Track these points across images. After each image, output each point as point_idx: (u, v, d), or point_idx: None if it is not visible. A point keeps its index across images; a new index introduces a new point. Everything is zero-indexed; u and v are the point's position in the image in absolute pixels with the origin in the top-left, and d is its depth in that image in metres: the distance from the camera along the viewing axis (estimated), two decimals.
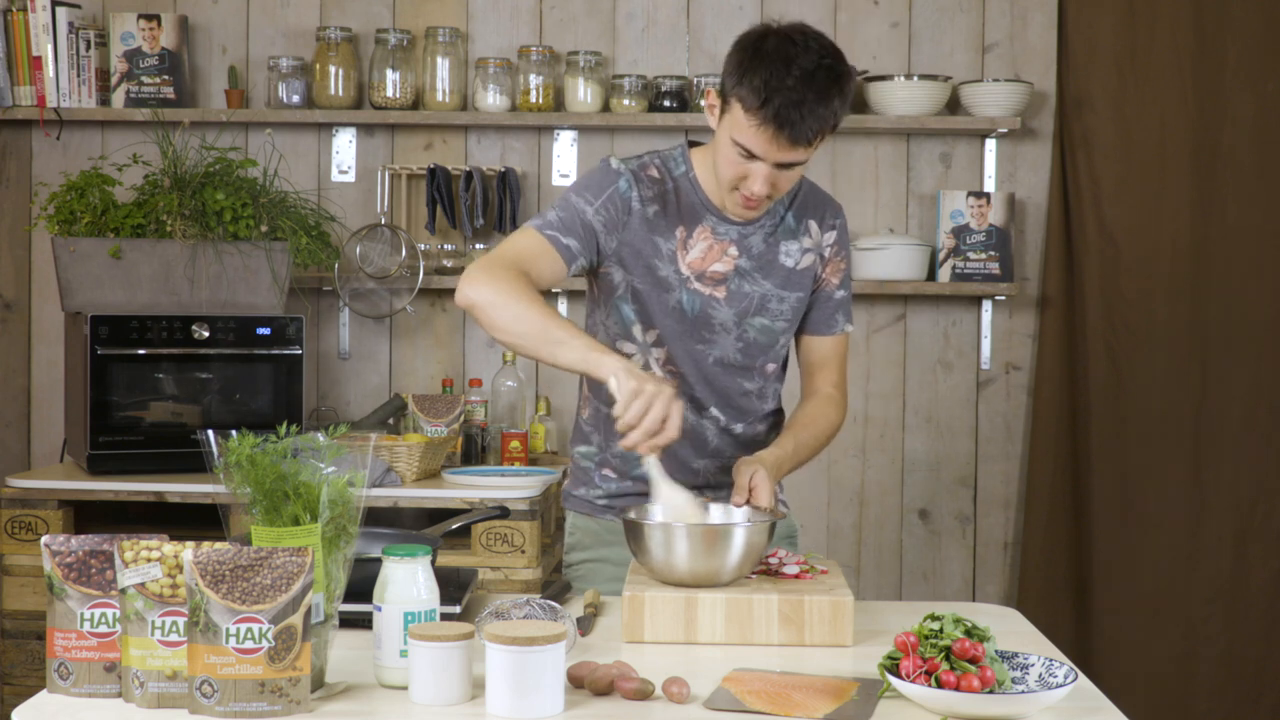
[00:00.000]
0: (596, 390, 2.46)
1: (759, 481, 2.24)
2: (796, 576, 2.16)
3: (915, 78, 4.07)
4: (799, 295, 2.44)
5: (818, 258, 2.45)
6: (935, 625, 1.74)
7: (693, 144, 2.45)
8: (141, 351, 3.66)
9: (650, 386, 2.08)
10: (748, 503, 2.23)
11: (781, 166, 2.23)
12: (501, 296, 2.18)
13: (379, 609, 1.81)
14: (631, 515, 2.16)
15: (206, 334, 3.70)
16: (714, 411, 2.44)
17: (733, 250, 2.39)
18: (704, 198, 2.38)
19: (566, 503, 2.59)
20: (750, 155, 2.22)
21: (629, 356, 2.41)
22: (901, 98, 4.07)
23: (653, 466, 2.18)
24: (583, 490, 2.54)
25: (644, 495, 2.41)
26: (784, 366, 2.53)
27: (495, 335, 2.23)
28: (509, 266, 2.23)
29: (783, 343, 2.47)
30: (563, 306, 4.17)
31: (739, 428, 2.47)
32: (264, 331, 3.75)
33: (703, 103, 2.36)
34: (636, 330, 2.40)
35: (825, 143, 2.26)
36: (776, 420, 2.55)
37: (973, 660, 1.71)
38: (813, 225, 2.44)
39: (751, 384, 2.46)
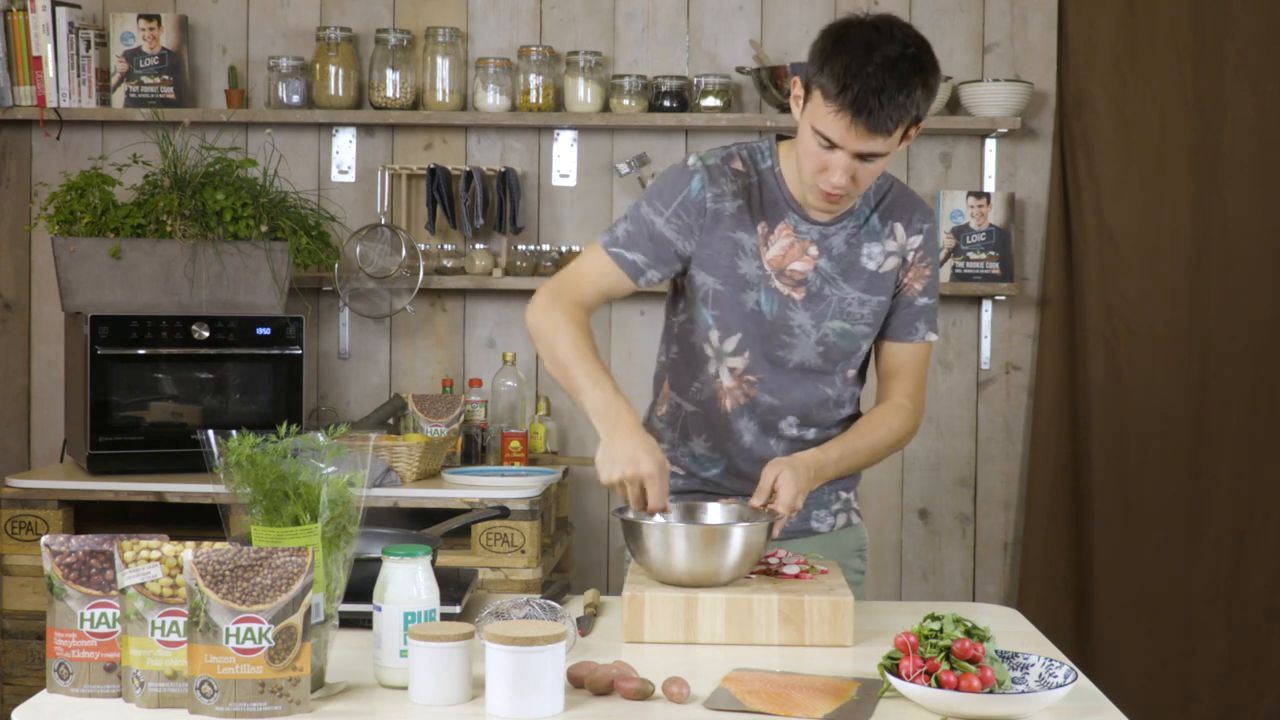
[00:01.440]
0: (679, 387, 2.44)
1: (784, 483, 2.21)
2: (796, 576, 2.16)
3: None
4: (880, 299, 2.38)
5: (901, 261, 2.38)
6: (935, 625, 1.74)
7: (781, 138, 2.40)
8: (141, 351, 3.66)
9: (618, 474, 2.14)
10: (766, 506, 2.21)
11: (862, 159, 2.19)
12: (545, 331, 2.31)
13: (379, 609, 1.81)
14: (629, 515, 2.16)
15: (206, 334, 3.70)
16: (791, 419, 2.40)
17: (813, 250, 2.34)
18: (787, 194, 2.34)
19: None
20: (830, 145, 2.18)
21: (707, 360, 2.39)
22: None
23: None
24: None
25: (710, 495, 2.43)
26: (862, 371, 2.47)
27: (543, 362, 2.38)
28: (568, 295, 2.33)
29: (864, 348, 2.42)
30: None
31: (811, 433, 2.42)
32: (264, 331, 3.75)
33: (790, 90, 2.32)
34: (714, 335, 2.37)
35: (914, 139, 2.25)
36: (850, 426, 2.49)
37: (973, 660, 1.71)
38: (898, 228, 2.38)
39: (831, 389, 2.41)
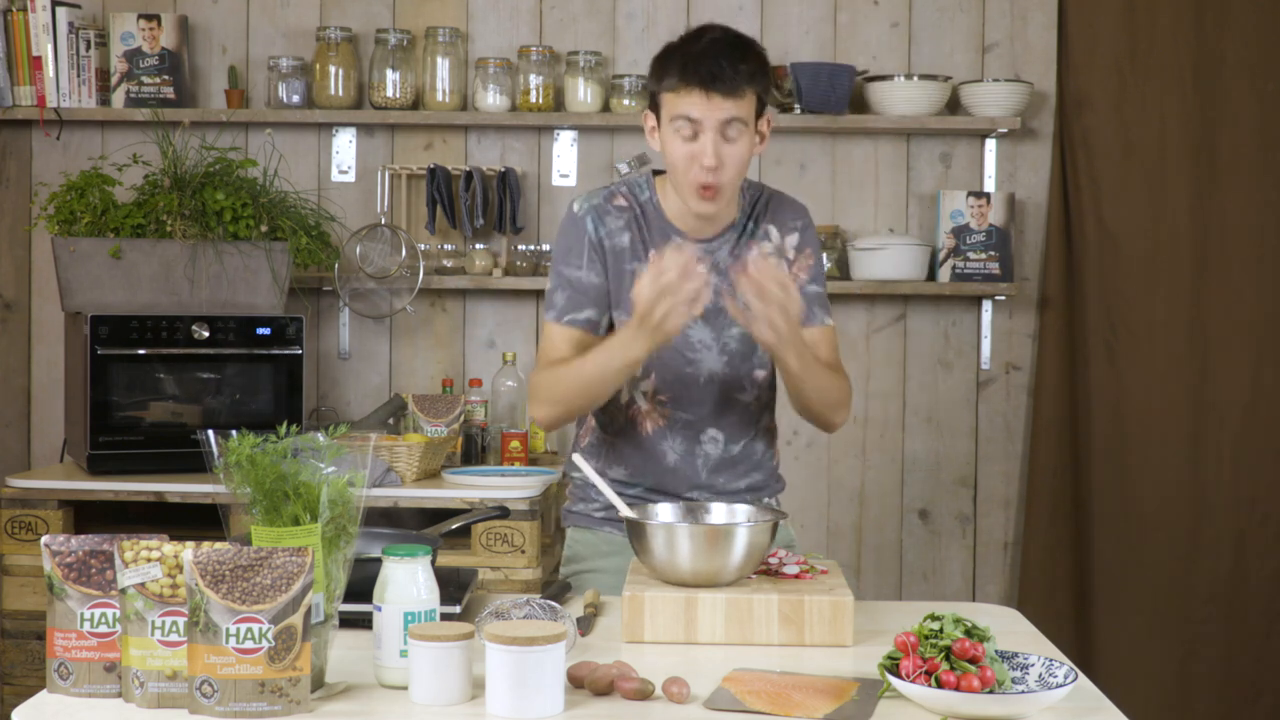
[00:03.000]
0: (600, 418, 2.52)
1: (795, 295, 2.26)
2: (796, 576, 2.16)
3: (915, 78, 4.07)
4: None
5: (782, 260, 2.49)
6: (935, 625, 1.74)
7: (657, 173, 2.51)
8: (141, 351, 3.66)
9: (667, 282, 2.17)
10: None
11: (725, 138, 2.31)
12: (549, 396, 2.38)
13: (379, 609, 1.81)
14: (633, 515, 2.16)
15: (206, 334, 3.70)
16: (712, 433, 2.48)
17: (701, 268, 2.40)
18: (668, 221, 2.46)
19: (566, 520, 2.64)
20: (694, 129, 2.31)
21: (618, 391, 2.47)
22: (901, 98, 4.06)
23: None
24: (581, 506, 2.60)
25: (641, 500, 2.46)
26: (773, 375, 2.54)
27: (585, 411, 2.46)
28: (545, 372, 2.40)
29: (762, 349, 2.48)
30: None
31: (737, 448, 2.50)
32: (264, 331, 3.75)
33: (643, 126, 2.45)
34: None
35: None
36: (771, 438, 2.58)
37: (973, 660, 1.71)
38: (772, 230, 2.50)
39: (745, 395, 2.50)
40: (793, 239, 2.51)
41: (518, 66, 4.15)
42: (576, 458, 2.29)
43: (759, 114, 2.37)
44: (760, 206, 2.51)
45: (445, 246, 4.21)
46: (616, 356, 2.28)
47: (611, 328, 2.47)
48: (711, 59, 2.30)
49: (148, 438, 3.68)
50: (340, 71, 4.14)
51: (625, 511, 2.16)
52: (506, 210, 4.10)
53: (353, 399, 4.29)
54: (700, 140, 2.32)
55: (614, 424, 2.51)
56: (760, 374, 2.51)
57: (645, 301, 2.19)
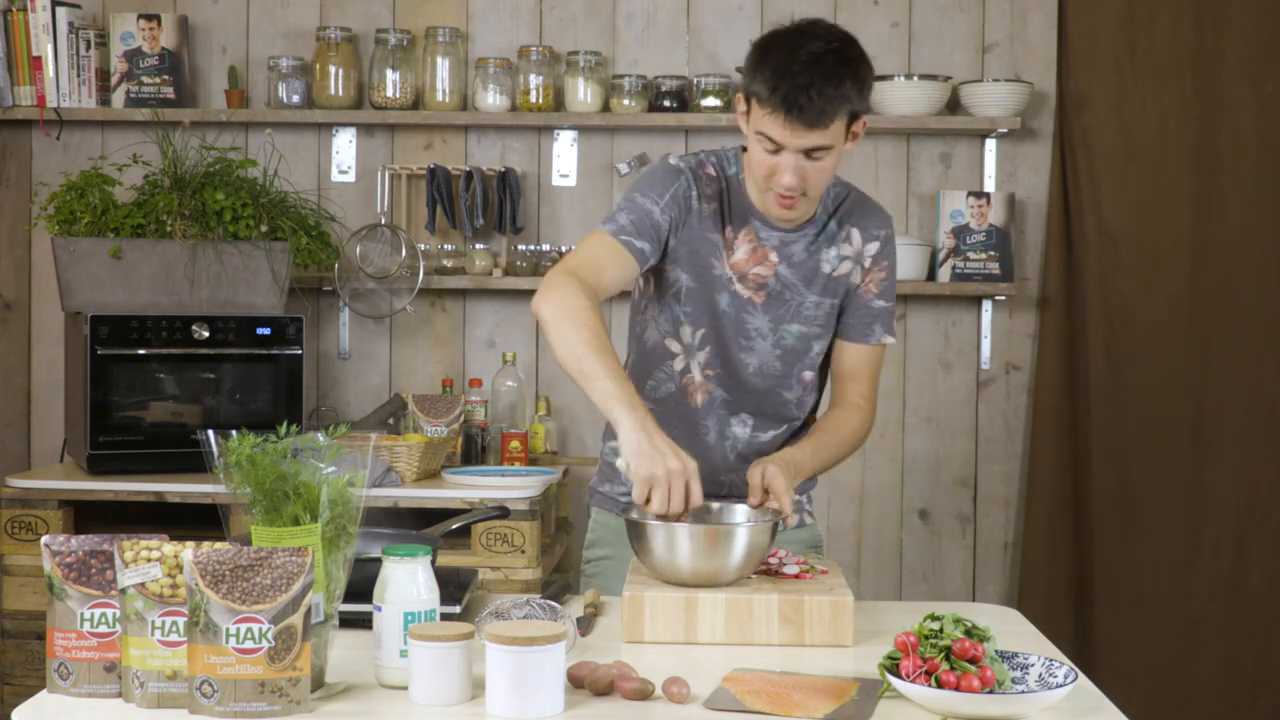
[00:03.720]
0: (640, 386, 2.42)
1: (772, 477, 2.22)
2: (796, 576, 2.16)
3: (915, 78, 4.07)
4: (833, 302, 2.43)
5: (857, 266, 2.44)
6: (935, 625, 1.74)
7: (745, 149, 2.44)
8: (141, 351, 3.66)
9: (660, 470, 2.07)
10: (762, 504, 2.22)
11: (808, 157, 2.24)
12: (558, 318, 2.21)
13: (379, 609, 1.81)
14: (633, 515, 2.16)
15: (206, 334, 3.70)
16: (744, 416, 2.44)
17: (773, 256, 2.39)
18: (749, 201, 2.39)
19: (591, 499, 2.59)
20: (775, 147, 2.24)
21: (673, 357, 2.42)
22: (901, 98, 4.07)
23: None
24: (608, 486, 2.56)
25: None
26: (822, 376, 2.51)
27: (552, 354, 2.29)
28: (579, 280, 2.25)
29: (817, 349, 2.46)
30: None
31: (767, 436, 2.46)
32: (264, 331, 3.75)
33: (735, 106, 2.37)
34: (685, 331, 2.41)
35: (860, 139, 2.29)
36: (805, 430, 2.53)
37: (973, 660, 1.71)
38: (855, 233, 2.44)
39: (790, 393, 2.46)
40: (873, 247, 2.45)
41: (518, 66, 4.15)
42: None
43: (851, 123, 2.27)
44: (845, 207, 2.44)
45: (445, 246, 4.21)
46: (600, 380, 2.16)
47: (656, 275, 2.39)
48: (802, 89, 2.18)
49: (148, 438, 3.68)
50: (340, 71, 4.14)
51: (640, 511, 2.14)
52: (506, 210, 4.10)
53: (353, 399, 4.29)
54: (782, 156, 2.25)
55: (661, 390, 2.44)
56: (808, 375, 2.47)
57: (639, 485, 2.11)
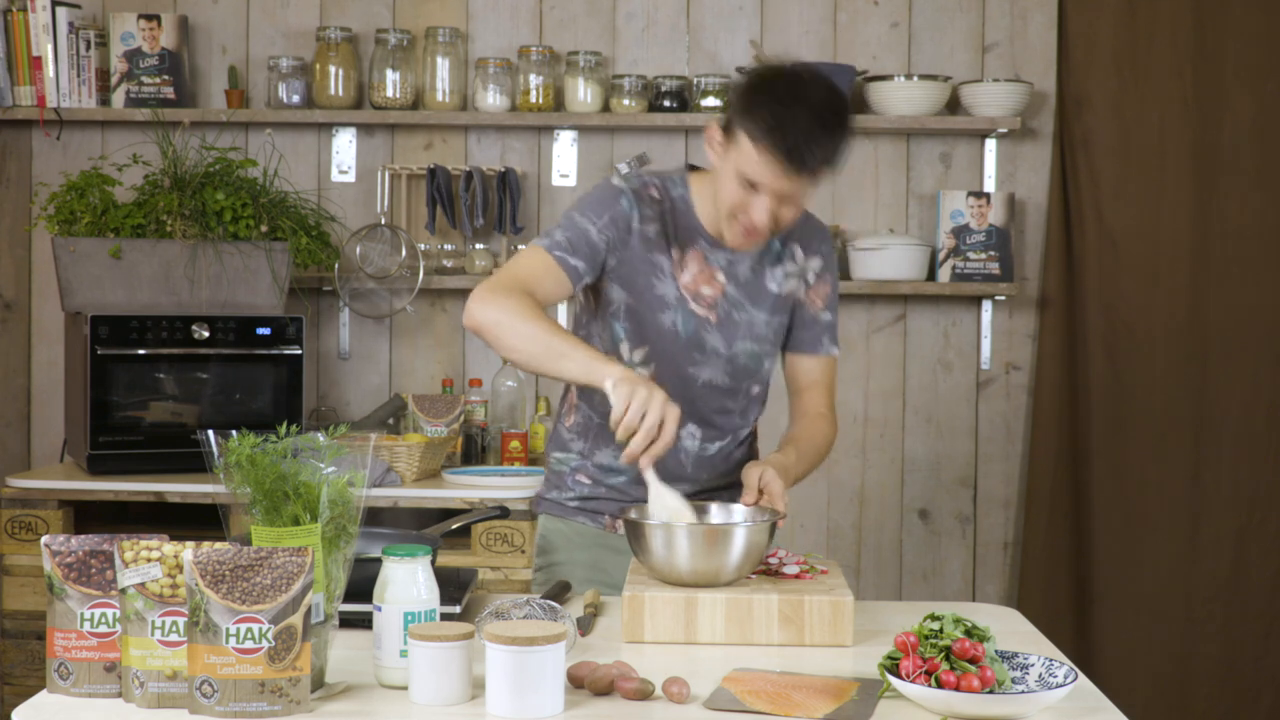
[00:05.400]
0: (588, 397, 2.48)
1: (769, 479, 2.24)
2: (796, 576, 2.16)
3: (915, 78, 4.07)
4: (781, 319, 2.47)
5: (801, 282, 2.48)
6: (935, 625, 1.74)
7: (692, 168, 2.48)
8: (141, 351, 3.66)
9: (644, 391, 2.10)
10: (757, 503, 2.23)
11: (784, 200, 2.26)
12: (507, 316, 2.22)
13: (379, 609, 1.81)
14: (632, 515, 2.16)
15: (206, 334, 3.70)
16: (692, 428, 2.45)
17: (720, 277, 2.42)
18: (697, 222, 2.41)
19: (539, 506, 2.60)
20: (754, 187, 2.25)
21: None
22: (901, 98, 4.07)
23: (649, 471, 2.18)
24: (555, 494, 2.56)
25: (617, 501, 2.46)
26: (766, 389, 2.54)
27: (503, 354, 2.29)
28: (514, 287, 2.26)
29: (767, 366, 2.49)
30: (562, 314, 4.17)
31: (713, 447, 2.48)
32: (264, 331, 3.75)
33: (705, 132, 2.37)
34: (624, 349, 2.42)
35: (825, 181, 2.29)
36: (750, 442, 2.57)
37: (973, 660, 1.71)
38: (798, 250, 2.47)
39: (734, 404, 2.49)
40: (815, 262, 2.48)
41: (518, 66, 4.15)
42: (649, 474, 2.17)
43: None
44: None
45: (445, 246, 4.21)
46: (571, 355, 2.18)
47: (593, 291, 2.42)
48: (804, 144, 2.18)
49: (148, 438, 3.68)
50: (340, 71, 4.14)
51: (648, 511, 2.15)
52: (506, 210, 4.11)
53: (353, 399, 4.29)
54: (758, 195, 2.25)
55: (606, 404, 2.44)
56: (755, 389, 2.50)
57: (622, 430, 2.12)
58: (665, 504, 2.17)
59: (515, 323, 2.21)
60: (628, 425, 2.10)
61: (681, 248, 2.40)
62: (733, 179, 2.27)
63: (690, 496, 2.44)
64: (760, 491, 2.24)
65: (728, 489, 2.50)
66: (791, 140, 2.18)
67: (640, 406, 2.09)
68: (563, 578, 2.47)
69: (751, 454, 2.58)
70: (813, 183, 2.24)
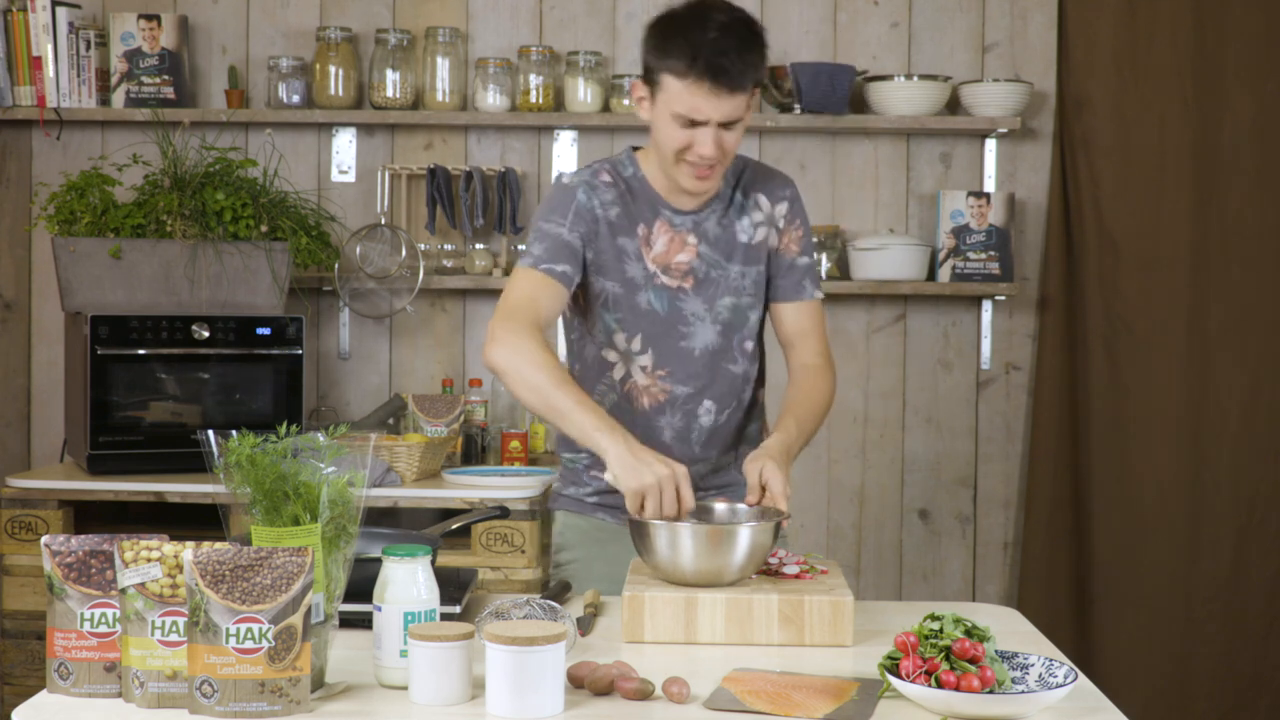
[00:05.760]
0: (589, 388, 2.48)
1: (770, 475, 2.24)
2: (796, 576, 2.16)
3: (915, 78, 4.07)
4: (759, 269, 2.49)
5: (772, 229, 2.50)
6: (935, 625, 1.74)
7: (636, 148, 2.51)
8: (141, 351, 3.66)
9: (650, 478, 2.13)
10: (760, 502, 2.23)
11: (724, 126, 2.30)
12: (517, 363, 2.29)
13: (379, 609, 1.81)
14: (637, 515, 2.16)
15: (206, 334, 3.70)
16: (707, 404, 2.47)
17: (691, 238, 2.44)
18: (654, 193, 2.45)
19: (555, 503, 2.61)
20: (692, 123, 2.30)
21: (611, 366, 2.46)
22: (901, 98, 4.07)
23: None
24: (572, 490, 2.57)
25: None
26: (759, 343, 2.54)
27: (515, 398, 2.36)
28: (522, 322, 2.31)
29: (753, 319, 2.50)
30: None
31: (723, 417, 2.49)
32: (264, 331, 3.75)
33: (631, 94, 2.41)
34: (619, 338, 2.44)
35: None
36: (758, 408, 2.58)
37: (973, 660, 1.71)
38: (762, 199, 2.50)
39: (736, 367, 2.49)
40: (782, 208, 2.51)
41: (518, 66, 4.15)
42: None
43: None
44: (747, 177, 2.50)
45: (445, 246, 4.21)
46: (573, 414, 2.23)
47: (582, 289, 2.44)
48: (721, 52, 2.25)
49: (148, 438, 3.68)
50: (340, 71, 4.14)
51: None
52: (506, 210, 4.11)
53: (353, 399, 4.29)
54: (698, 130, 2.30)
55: (605, 403, 2.47)
56: (749, 345, 2.51)
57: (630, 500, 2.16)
58: None
59: (524, 370, 2.28)
60: (651, 517, 2.13)
61: (648, 223, 2.43)
62: (670, 124, 2.31)
63: (700, 479, 2.45)
64: (763, 489, 2.24)
65: (736, 465, 2.48)
66: (712, 57, 2.25)
67: (655, 501, 2.13)
68: (581, 575, 2.47)
69: (761, 428, 2.58)
70: (742, 99, 2.29)
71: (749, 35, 2.30)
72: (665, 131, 2.33)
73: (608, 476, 2.19)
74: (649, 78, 2.35)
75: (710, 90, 2.26)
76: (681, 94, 2.28)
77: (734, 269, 2.46)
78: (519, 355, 2.28)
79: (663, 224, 2.43)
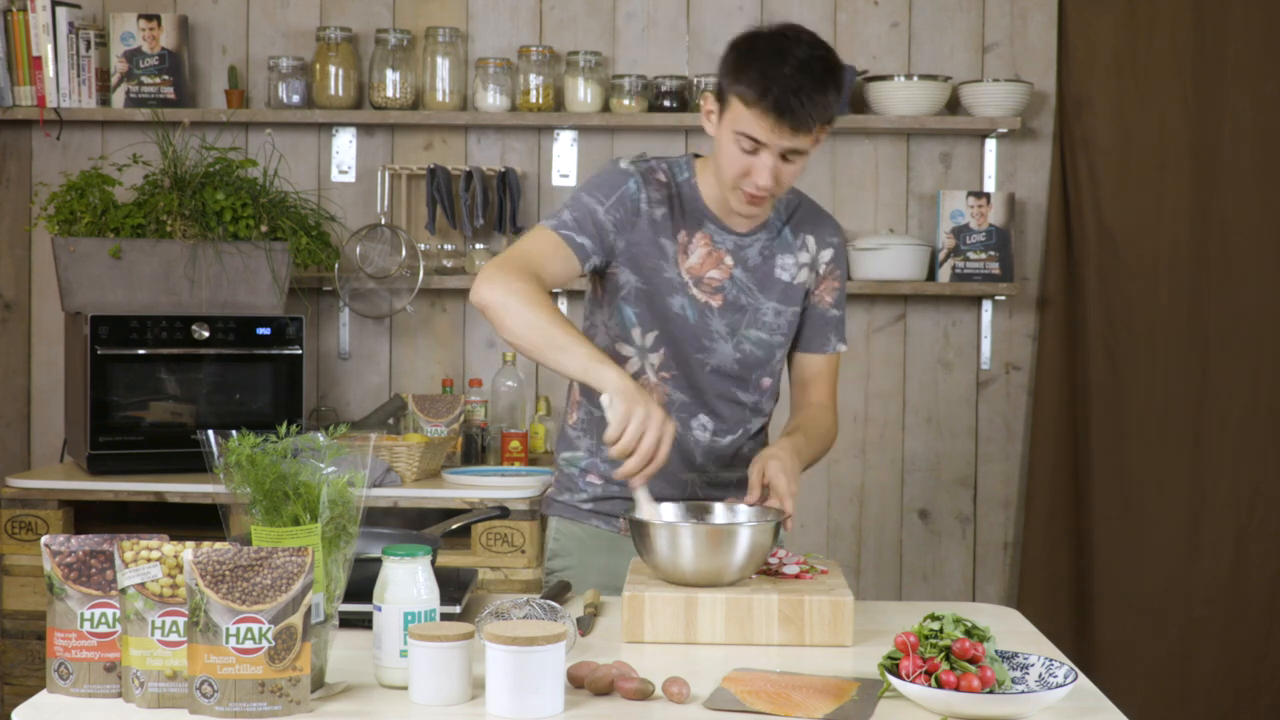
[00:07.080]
0: (589, 394, 2.46)
1: (775, 474, 2.23)
2: (796, 576, 2.16)
3: (915, 78, 4.07)
4: (794, 310, 2.46)
5: (813, 273, 2.47)
6: (935, 625, 1.74)
7: (696, 156, 2.48)
8: (141, 351, 3.66)
9: (642, 410, 2.10)
10: (760, 502, 2.23)
11: (784, 158, 2.26)
12: (511, 299, 2.22)
13: (379, 609, 1.81)
14: (637, 515, 2.16)
15: (206, 334, 3.70)
16: (703, 419, 2.45)
17: (728, 260, 2.41)
18: (704, 205, 2.41)
19: (550, 509, 2.59)
20: (754, 147, 2.25)
21: (625, 360, 2.43)
22: (901, 98, 4.07)
23: (640, 492, 2.18)
24: (567, 496, 2.55)
25: (628, 501, 2.40)
26: (778, 381, 2.53)
27: (503, 336, 2.28)
28: (522, 268, 2.26)
29: (779, 357, 2.49)
30: (562, 304, 4.17)
31: (726, 440, 2.47)
32: (264, 331, 3.75)
33: (701, 106, 2.38)
34: (636, 333, 2.41)
35: (824, 143, 2.30)
36: (763, 438, 2.56)
37: (973, 660, 1.71)
38: (810, 240, 2.47)
39: (746, 396, 2.47)
40: (827, 254, 2.48)
41: (518, 66, 4.15)
42: (640, 492, 2.18)
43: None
44: (799, 215, 2.47)
45: (445, 246, 4.21)
46: (570, 349, 2.18)
47: (601, 277, 2.42)
48: (794, 92, 2.20)
49: (148, 438, 3.68)
50: (340, 71, 4.14)
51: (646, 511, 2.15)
52: (506, 210, 4.11)
53: (353, 399, 4.29)
54: (760, 156, 2.26)
55: None
56: (767, 381, 2.49)
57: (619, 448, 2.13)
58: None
59: (519, 307, 2.21)
60: (624, 447, 2.10)
61: (689, 231, 2.40)
62: (732, 144, 2.28)
63: (699, 489, 2.44)
64: (765, 488, 2.24)
65: (737, 484, 2.48)
66: (782, 93, 2.20)
67: (638, 428, 2.10)
68: (575, 581, 2.47)
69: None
70: (808, 136, 2.25)
71: (825, 76, 2.24)
72: (727, 151, 2.29)
73: (604, 400, 2.14)
74: (720, 95, 2.30)
75: (775, 125, 2.22)
76: (747, 120, 2.24)
77: (769, 305, 2.43)
78: (513, 295, 2.21)
79: (704, 237, 2.40)
